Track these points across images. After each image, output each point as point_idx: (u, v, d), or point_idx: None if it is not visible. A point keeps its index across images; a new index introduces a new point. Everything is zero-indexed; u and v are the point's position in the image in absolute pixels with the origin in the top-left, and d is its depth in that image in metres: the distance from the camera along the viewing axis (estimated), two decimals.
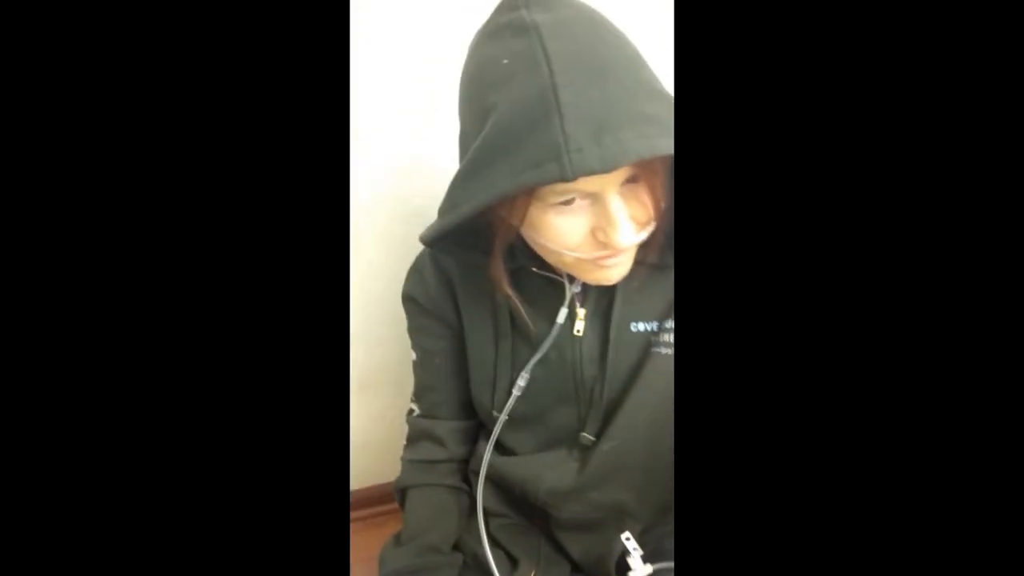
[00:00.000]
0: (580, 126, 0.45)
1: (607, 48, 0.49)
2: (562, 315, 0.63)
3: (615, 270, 0.57)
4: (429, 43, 0.81)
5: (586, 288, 0.63)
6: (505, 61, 0.49)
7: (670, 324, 0.62)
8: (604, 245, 0.53)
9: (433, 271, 0.69)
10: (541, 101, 0.46)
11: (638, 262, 0.59)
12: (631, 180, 0.52)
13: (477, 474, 0.69)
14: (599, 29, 0.51)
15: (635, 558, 0.64)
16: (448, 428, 0.73)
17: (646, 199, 0.53)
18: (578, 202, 0.52)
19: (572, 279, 0.63)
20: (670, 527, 0.70)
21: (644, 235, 0.54)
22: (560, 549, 0.71)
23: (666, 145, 0.46)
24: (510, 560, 0.70)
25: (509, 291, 0.61)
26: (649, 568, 0.64)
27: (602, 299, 0.63)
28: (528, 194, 0.51)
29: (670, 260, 0.60)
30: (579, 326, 0.63)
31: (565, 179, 0.45)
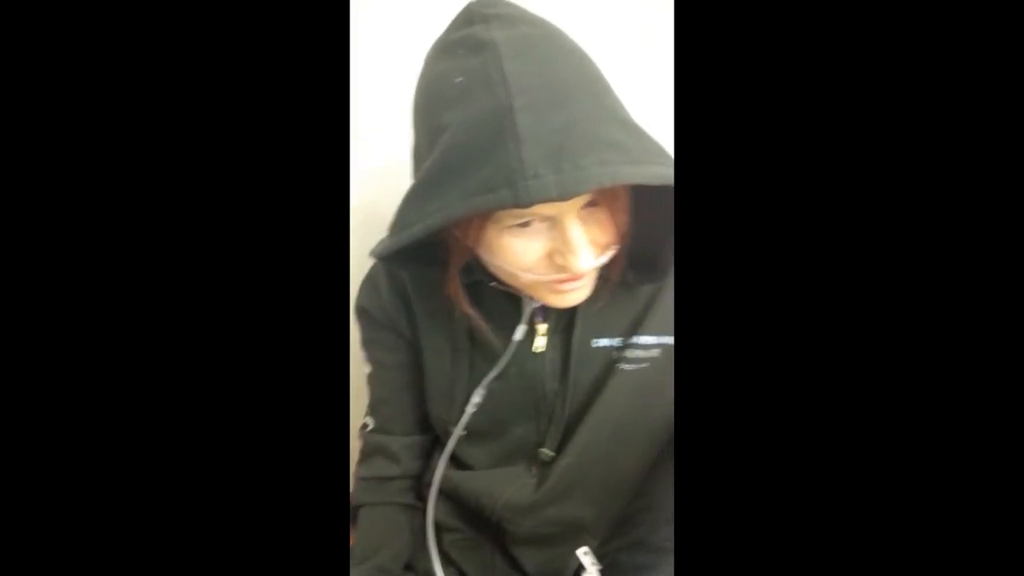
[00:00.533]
0: (537, 151, 0.44)
1: (568, 70, 0.48)
2: (520, 332, 0.62)
3: (575, 293, 0.56)
4: (429, 43, 0.81)
5: (546, 304, 0.62)
6: (459, 79, 0.48)
7: (634, 340, 0.62)
8: (562, 268, 0.52)
9: (387, 283, 0.67)
10: (496, 123, 0.45)
11: (600, 279, 0.58)
12: (591, 204, 0.51)
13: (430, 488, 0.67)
14: (560, 50, 0.50)
15: (592, 573, 0.63)
16: (402, 443, 0.71)
17: (607, 222, 0.52)
18: (535, 224, 0.50)
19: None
20: (627, 540, 0.69)
21: (604, 259, 0.53)
22: (515, 564, 0.69)
23: (627, 173, 0.45)
24: None
25: (469, 310, 0.60)
26: None
27: (563, 315, 0.62)
28: (483, 216, 0.50)
29: (632, 278, 0.60)
30: (540, 343, 0.63)
31: (520, 205, 0.44)
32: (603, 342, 0.62)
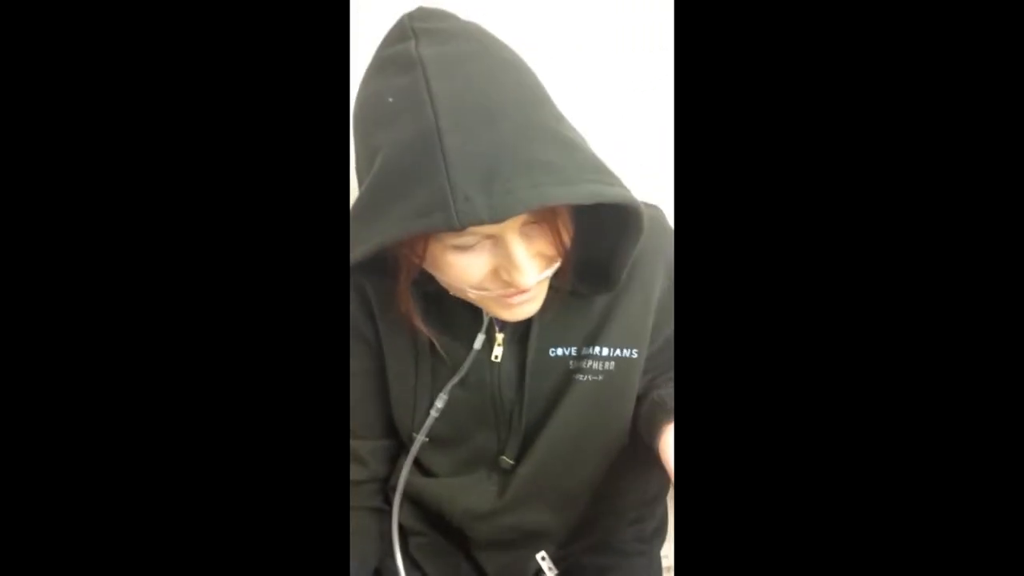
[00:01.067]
0: (467, 174, 0.44)
1: (498, 87, 0.47)
2: (479, 341, 0.62)
3: (525, 307, 0.56)
4: None
5: (497, 317, 0.62)
6: (390, 99, 0.47)
7: (592, 351, 0.62)
8: (508, 284, 0.52)
9: (352, 292, 0.66)
10: (426, 146, 0.44)
11: (552, 289, 0.58)
12: (535, 221, 0.51)
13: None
14: (493, 66, 0.48)
15: None
16: (370, 448, 0.71)
17: (550, 236, 0.52)
18: (478, 242, 0.50)
19: None
20: (588, 542, 0.70)
21: (550, 272, 0.53)
22: (479, 568, 0.70)
23: (558, 194, 0.45)
24: None
25: (420, 325, 0.60)
26: None
27: (520, 325, 0.62)
28: (426, 235, 0.50)
29: (584, 288, 0.60)
30: (497, 351, 0.63)
31: (452, 229, 0.44)
32: (560, 351, 0.63)
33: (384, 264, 0.59)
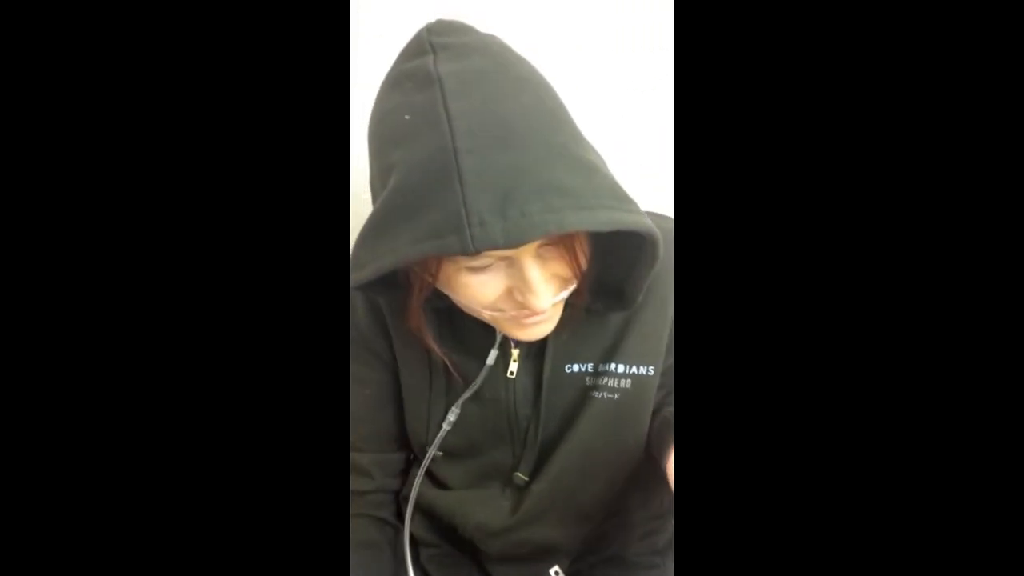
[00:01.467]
0: (483, 197, 0.43)
1: (519, 107, 0.46)
2: (492, 356, 0.62)
3: (539, 327, 0.55)
4: None
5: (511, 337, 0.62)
6: (407, 116, 0.47)
7: (609, 367, 0.62)
8: (522, 305, 0.51)
9: (364, 303, 0.66)
10: (442, 166, 0.43)
11: (568, 306, 0.57)
12: (551, 244, 0.50)
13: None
14: (512, 84, 0.48)
15: None
16: (374, 459, 0.70)
17: (566, 258, 0.51)
18: (493, 263, 0.50)
19: None
20: (601, 556, 0.70)
21: (565, 294, 0.53)
22: None
23: (575, 220, 0.44)
24: None
25: (432, 344, 0.60)
26: None
27: (536, 341, 0.61)
28: (439, 260, 0.50)
29: (600, 306, 0.59)
30: (513, 367, 0.63)
31: (467, 253, 0.43)
32: (576, 367, 0.62)
33: (396, 280, 0.58)
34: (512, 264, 0.49)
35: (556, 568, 0.66)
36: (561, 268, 0.51)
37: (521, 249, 0.47)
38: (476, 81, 0.46)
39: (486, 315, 0.53)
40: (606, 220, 0.45)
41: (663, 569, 0.76)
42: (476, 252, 0.43)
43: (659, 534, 0.74)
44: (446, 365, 0.63)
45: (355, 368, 0.68)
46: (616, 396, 0.62)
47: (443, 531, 0.71)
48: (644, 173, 0.83)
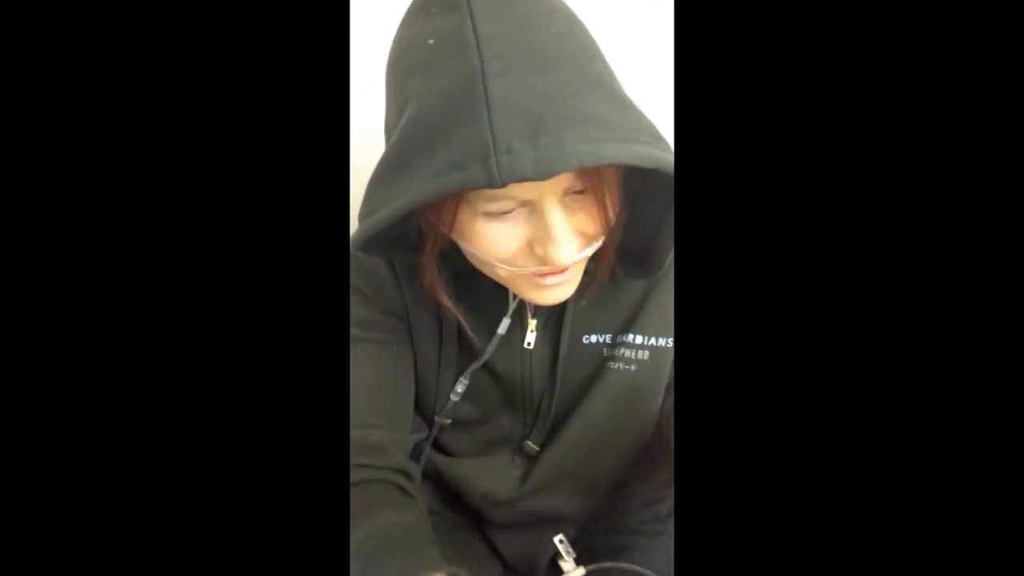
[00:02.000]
0: (512, 123, 0.39)
1: (552, 33, 0.43)
2: (504, 325, 0.59)
3: (558, 289, 0.51)
4: None
5: (527, 300, 0.60)
6: (431, 41, 0.43)
7: (626, 338, 0.60)
8: (543, 260, 0.47)
9: (384, 263, 0.62)
10: (467, 91, 0.40)
11: (587, 275, 0.55)
12: (578, 191, 0.46)
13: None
14: (544, 10, 0.44)
15: (568, 560, 0.65)
16: (385, 437, 0.65)
17: (593, 211, 0.47)
18: (515, 211, 0.46)
19: None
20: (605, 524, 0.71)
21: (589, 251, 0.49)
22: (492, 549, 0.71)
23: (613, 152, 0.40)
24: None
25: (447, 302, 0.56)
26: (582, 570, 0.67)
27: (553, 310, 0.60)
28: (456, 197, 0.46)
29: (622, 273, 0.57)
30: (530, 338, 0.61)
31: (493, 185, 0.39)
32: (594, 339, 0.61)
33: (408, 239, 0.54)
34: (534, 212, 0.46)
35: (561, 536, 0.66)
36: (587, 222, 0.47)
37: (545, 193, 0.44)
38: (507, 4, 0.43)
39: (503, 272, 0.50)
40: (646, 155, 0.41)
41: (666, 535, 0.75)
42: (503, 184, 0.39)
43: (662, 503, 0.73)
44: (459, 333, 0.61)
45: (373, 331, 0.64)
46: (633, 368, 0.60)
47: (448, 499, 0.70)
48: None
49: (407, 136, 0.43)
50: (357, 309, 0.63)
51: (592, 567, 0.67)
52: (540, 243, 0.47)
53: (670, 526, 0.78)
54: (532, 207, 0.46)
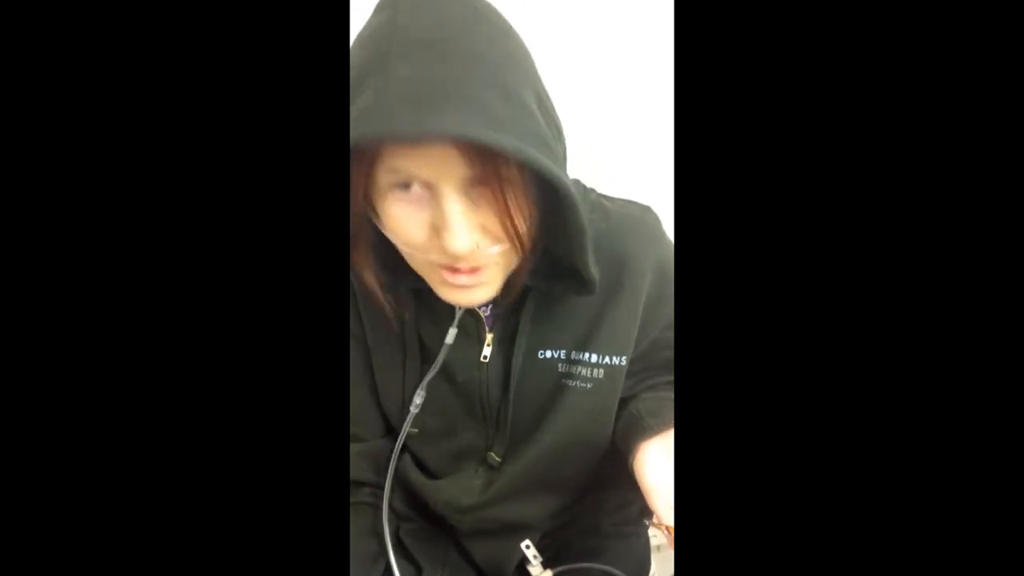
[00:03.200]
0: (400, 93, 0.43)
1: (466, 34, 0.46)
2: (451, 335, 0.61)
3: (470, 292, 0.53)
4: None
5: (495, 313, 0.62)
6: (366, 35, 0.48)
7: (582, 356, 0.62)
8: (446, 251, 0.49)
9: None
10: (375, 67, 0.44)
11: (512, 286, 0.56)
12: (478, 183, 0.48)
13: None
14: (469, 15, 0.47)
15: (535, 565, 0.67)
16: (356, 450, 0.70)
17: (496, 208, 0.48)
18: (416, 191, 0.48)
19: None
20: (577, 527, 0.73)
21: (493, 250, 0.50)
22: (466, 555, 0.72)
23: (481, 134, 0.42)
24: (415, 567, 0.71)
25: (384, 302, 0.58)
26: (549, 573, 0.70)
27: (509, 325, 0.62)
28: (366, 174, 0.49)
29: (560, 290, 0.58)
30: (486, 352, 0.63)
31: (366, 137, 0.43)
32: (549, 354, 0.62)
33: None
34: (435, 196, 0.48)
35: (527, 542, 0.69)
36: (490, 218, 0.49)
37: (443, 178, 0.46)
38: (432, 6, 0.46)
39: (419, 260, 0.53)
40: (514, 147, 0.43)
41: (638, 536, 0.78)
42: (376, 139, 0.43)
43: (632, 505, 0.76)
44: (420, 348, 0.63)
45: None
46: (589, 386, 0.62)
47: (419, 506, 0.73)
48: (644, 173, 0.82)
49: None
50: None
51: (559, 569, 0.70)
52: (440, 230, 0.48)
53: (641, 528, 0.80)
54: (434, 194, 0.48)
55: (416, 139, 0.43)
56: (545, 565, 0.69)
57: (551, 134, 0.49)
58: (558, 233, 0.53)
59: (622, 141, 0.84)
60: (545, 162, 0.45)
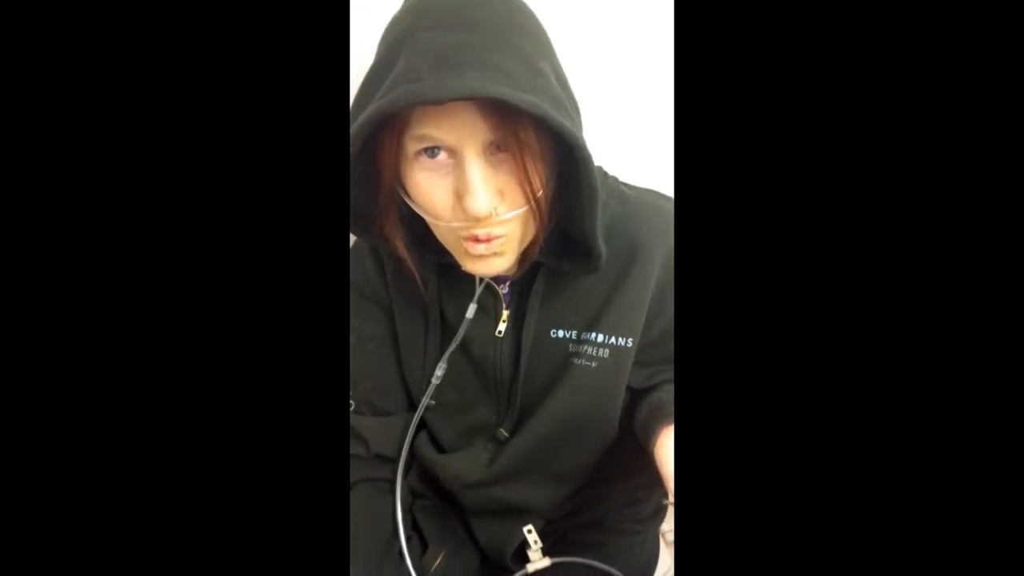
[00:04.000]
0: (425, 59, 0.46)
1: (487, 9, 0.49)
2: (471, 311, 0.64)
3: (491, 261, 0.55)
4: None
5: (512, 290, 0.64)
6: (397, 16, 0.52)
7: (590, 336, 0.63)
8: (467, 216, 0.51)
9: (370, 253, 0.68)
10: (401, 42, 0.48)
11: (526, 260, 0.59)
12: (499, 148, 0.50)
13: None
14: None
15: (535, 550, 0.68)
16: (373, 424, 0.71)
17: (516, 174, 0.51)
18: (442, 158, 0.51)
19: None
20: (581, 520, 0.73)
21: (510, 214, 0.52)
22: (470, 534, 0.74)
23: (506, 94, 0.44)
24: (422, 544, 0.73)
25: (420, 285, 0.62)
26: (547, 560, 0.69)
27: (523, 303, 0.64)
28: (396, 145, 0.51)
29: (567, 265, 0.60)
30: (501, 327, 0.65)
31: (398, 106, 0.45)
32: (561, 333, 0.64)
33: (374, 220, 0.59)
34: (459, 164, 0.50)
35: (530, 527, 0.69)
36: (509, 183, 0.51)
37: (466, 143, 0.49)
38: None
39: (443, 230, 0.55)
40: (532, 103, 0.45)
41: (644, 536, 0.78)
42: (407, 105, 0.45)
43: (644, 504, 0.76)
44: (442, 320, 0.66)
45: (362, 320, 0.70)
46: (594, 364, 0.63)
47: (431, 482, 0.75)
48: (644, 172, 0.82)
49: (364, 83, 0.51)
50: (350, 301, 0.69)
51: (558, 560, 0.69)
52: (461, 194, 0.51)
53: (652, 525, 0.78)
54: (457, 160, 0.50)
55: (440, 101, 0.45)
56: (544, 553, 0.68)
57: (568, 101, 0.51)
58: (571, 199, 0.55)
59: (623, 140, 0.84)
60: (559, 119, 0.47)
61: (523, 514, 0.70)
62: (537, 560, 0.68)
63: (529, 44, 0.50)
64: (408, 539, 0.69)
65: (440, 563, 0.71)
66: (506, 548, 0.71)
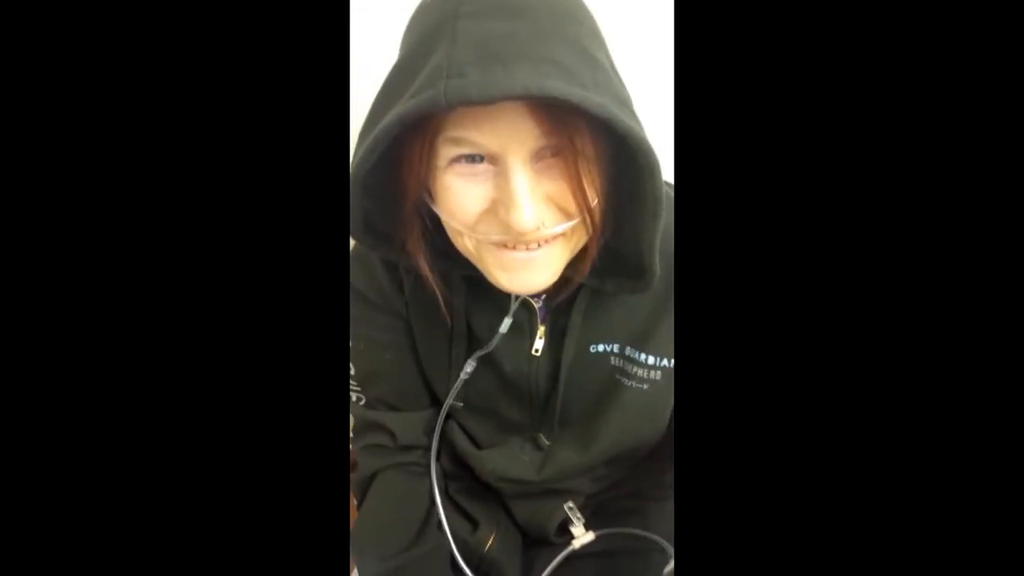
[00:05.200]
0: (470, 52, 0.40)
1: None
2: (505, 324, 0.60)
3: (528, 275, 0.49)
4: None
5: (547, 306, 0.61)
6: (429, 1, 0.46)
7: (638, 356, 0.60)
8: (507, 228, 0.45)
9: (381, 264, 0.63)
10: (440, 30, 0.42)
11: (568, 280, 0.54)
12: (550, 153, 0.45)
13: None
14: None
15: (577, 526, 0.70)
16: (397, 418, 0.69)
17: (566, 182, 0.45)
18: (482, 166, 0.45)
19: None
20: (620, 491, 0.74)
21: (559, 228, 0.47)
22: (509, 514, 0.75)
23: (561, 89, 0.39)
24: (470, 522, 0.73)
25: (441, 302, 0.58)
26: (591, 535, 0.71)
27: (560, 319, 0.61)
28: (428, 149, 0.45)
29: (612, 285, 0.55)
30: (539, 345, 0.62)
31: (438, 106, 0.39)
32: (601, 347, 0.62)
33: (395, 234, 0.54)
34: (501, 172, 0.44)
35: (570, 503, 0.71)
36: (558, 193, 0.46)
37: (511, 149, 0.43)
38: None
39: (471, 244, 0.49)
40: (598, 104, 0.40)
41: (672, 500, 0.79)
42: (447, 105, 0.39)
43: (671, 472, 0.76)
44: (468, 331, 0.62)
45: (373, 329, 0.66)
46: (645, 387, 0.61)
47: (463, 465, 0.74)
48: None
49: (388, 80, 0.45)
50: (355, 308, 0.65)
51: (601, 532, 0.70)
52: (504, 205, 0.45)
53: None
54: (500, 167, 0.45)
55: (490, 101, 0.39)
56: (585, 525, 0.70)
57: (621, 87, 0.47)
58: (627, 211, 0.49)
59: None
60: (628, 121, 0.42)
61: (564, 494, 0.71)
62: (581, 535, 0.70)
63: (585, 33, 0.45)
64: (448, 518, 0.68)
65: (492, 543, 0.72)
66: (549, 526, 0.72)
